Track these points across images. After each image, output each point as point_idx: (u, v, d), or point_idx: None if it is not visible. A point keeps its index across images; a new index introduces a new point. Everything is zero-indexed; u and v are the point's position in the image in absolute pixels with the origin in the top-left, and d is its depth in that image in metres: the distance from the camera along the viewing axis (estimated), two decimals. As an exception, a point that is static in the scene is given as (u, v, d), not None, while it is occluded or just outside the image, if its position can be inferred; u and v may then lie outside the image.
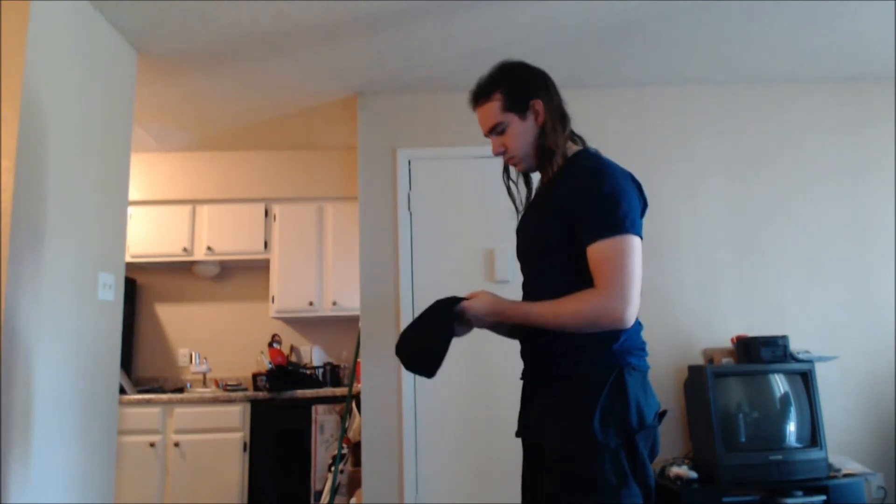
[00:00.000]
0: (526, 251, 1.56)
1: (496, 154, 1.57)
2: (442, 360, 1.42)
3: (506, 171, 1.63)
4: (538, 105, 1.50)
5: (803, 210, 3.38)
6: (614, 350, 1.37)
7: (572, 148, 1.52)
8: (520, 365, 1.55)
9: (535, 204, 1.58)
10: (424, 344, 1.44)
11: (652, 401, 1.40)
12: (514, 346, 1.59)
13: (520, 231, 1.60)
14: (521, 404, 1.55)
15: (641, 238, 1.39)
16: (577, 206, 1.38)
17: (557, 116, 1.51)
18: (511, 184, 1.63)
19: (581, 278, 1.38)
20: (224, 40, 2.82)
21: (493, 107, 1.52)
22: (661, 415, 1.41)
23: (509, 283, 3.18)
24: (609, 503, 1.29)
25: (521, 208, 1.63)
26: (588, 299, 1.34)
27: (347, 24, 2.72)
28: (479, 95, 1.54)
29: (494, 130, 1.54)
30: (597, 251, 1.35)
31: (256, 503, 3.78)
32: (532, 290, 1.51)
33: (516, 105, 1.50)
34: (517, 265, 1.62)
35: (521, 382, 1.56)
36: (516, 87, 1.52)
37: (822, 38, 2.99)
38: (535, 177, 1.62)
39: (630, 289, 1.32)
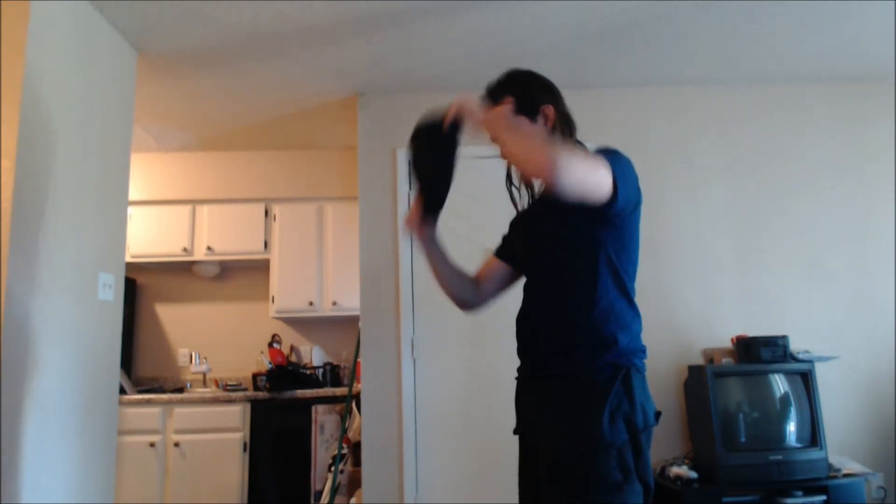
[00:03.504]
0: (540, 250, 1.52)
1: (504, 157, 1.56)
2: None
3: (508, 177, 1.63)
4: (549, 110, 1.51)
5: (803, 210, 3.38)
6: (620, 350, 1.38)
7: None
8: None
9: (547, 205, 1.54)
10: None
11: (651, 401, 1.41)
12: (514, 345, 1.58)
13: (526, 232, 1.59)
14: (517, 402, 1.54)
15: (639, 202, 1.40)
16: None
17: (566, 123, 1.53)
18: (514, 189, 1.63)
19: (597, 279, 1.39)
20: (224, 40, 2.82)
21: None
22: (657, 415, 1.43)
23: (509, 283, 3.17)
24: (613, 500, 1.30)
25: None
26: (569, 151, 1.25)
27: (347, 24, 2.72)
28: (490, 100, 1.55)
29: None
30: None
31: (256, 503, 3.78)
32: (538, 291, 1.50)
33: (528, 108, 1.51)
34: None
35: (521, 382, 1.56)
36: (528, 92, 1.53)
37: (822, 38, 2.99)
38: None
39: (587, 166, 1.24)
